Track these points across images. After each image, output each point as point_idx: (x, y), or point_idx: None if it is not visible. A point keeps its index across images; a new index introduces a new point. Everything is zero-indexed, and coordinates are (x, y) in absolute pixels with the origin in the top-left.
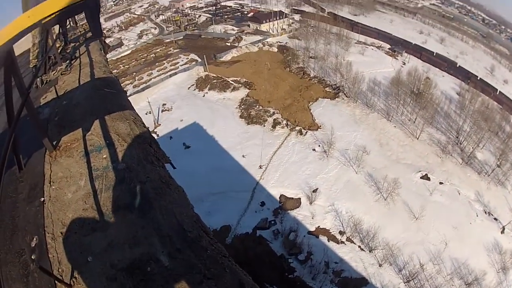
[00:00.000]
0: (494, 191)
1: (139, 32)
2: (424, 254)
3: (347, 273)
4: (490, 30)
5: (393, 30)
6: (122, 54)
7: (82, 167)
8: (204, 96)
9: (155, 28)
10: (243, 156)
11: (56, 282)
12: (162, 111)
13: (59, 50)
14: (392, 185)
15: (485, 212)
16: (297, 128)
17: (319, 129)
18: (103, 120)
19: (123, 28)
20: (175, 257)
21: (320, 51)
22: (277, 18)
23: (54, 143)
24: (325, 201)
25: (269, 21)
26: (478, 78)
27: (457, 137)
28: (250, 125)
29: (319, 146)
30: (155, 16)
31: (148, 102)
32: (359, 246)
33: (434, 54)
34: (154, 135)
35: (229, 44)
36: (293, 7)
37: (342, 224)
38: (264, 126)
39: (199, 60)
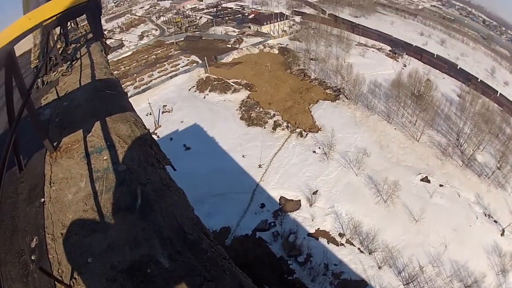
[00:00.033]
0: (494, 194)
1: (140, 34)
2: (424, 257)
3: (346, 275)
4: (491, 31)
5: (394, 32)
6: (123, 55)
7: (83, 168)
8: (204, 97)
9: (156, 30)
10: (243, 156)
11: (56, 283)
12: (163, 112)
13: (60, 51)
14: (392, 187)
15: (485, 215)
16: (298, 130)
17: (319, 131)
18: (104, 122)
19: (124, 29)
20: (176, 259)
21: (321, 53)
22: (278, 20)
23: (55, 144)
24: (325, 203)
25: (270, 23)
26: (479, 80)
27: (458, 139)
28: (251, 127)
29: (319, 148)
30: (156, 18)
31: (149, 103)
32: (359, 248)
33: (435, 56)
34: (154, 136)
35: (230, 45)
36: (294, 9)
37: (342, 226)
38: (265, 128)
39: (200, 61)
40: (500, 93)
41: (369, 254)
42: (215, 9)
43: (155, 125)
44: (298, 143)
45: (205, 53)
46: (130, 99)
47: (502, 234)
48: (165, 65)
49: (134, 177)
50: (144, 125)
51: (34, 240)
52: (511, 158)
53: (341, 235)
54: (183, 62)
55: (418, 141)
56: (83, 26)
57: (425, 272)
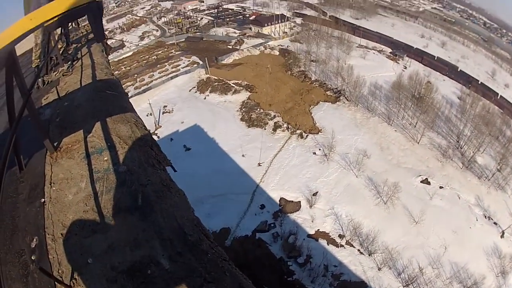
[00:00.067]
0: (494, 196)
1: (140, 34)
2: (424, 258)
3: (346, 277)
4: (492, 34)
5: (395, 34)
6: (124, 56)
7: (83, 169)
8: (205, 98)
9: (157, 30)
10: (243, 155)
11: (56, 283)
12: (163, 113)
13: (61, 51)
14: (392, 189)
15: (485, 217)
16: (298, 131)
17: (319, 133)
18: (104, 122)
19: (124, 29)
20: (176, 260)
21: (322, 55)
22: (279, 21)
23: (55, 144)
24: (325, 205)
25: (271, 24)
26: (479, 82)
27: (458, 142)
28: (251, 128)
29: (319, 149)
30: (157, 18)
31: (149, 103)
32: (359, 250)
33: (435, 58)
34: (154, 136)
35: (230, 47)
36: (295, 11)
37: (341, 227)
38: (265, 129)
39: (201, 62)
40: (501, 96)
41: (369, 255)
42: (216, 10)
43: (155, 125)
44: (299, 144)
45: (206, 54)
46: (130, 100)
47: (502, 236)
48: (165, 65)
49: (134, 178)
50: (144, 126)
51: (34, 240)
52: (511, 160)
53: (341, 236)
54: (184, 63)
55: (418, 143)
56: (84, 26)
57: (425, 273)
